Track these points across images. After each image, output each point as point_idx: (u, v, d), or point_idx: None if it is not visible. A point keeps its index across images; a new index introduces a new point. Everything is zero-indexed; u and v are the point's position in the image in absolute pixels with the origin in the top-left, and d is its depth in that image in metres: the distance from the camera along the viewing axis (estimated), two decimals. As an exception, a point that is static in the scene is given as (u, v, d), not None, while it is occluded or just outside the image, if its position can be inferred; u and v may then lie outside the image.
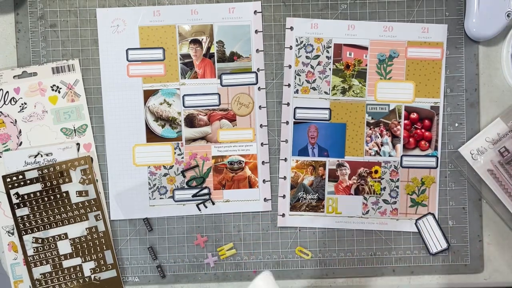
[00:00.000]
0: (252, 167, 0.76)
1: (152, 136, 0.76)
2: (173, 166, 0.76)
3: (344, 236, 0.76)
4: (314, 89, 0.76)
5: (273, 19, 0.76)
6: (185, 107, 0.76)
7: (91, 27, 0.75)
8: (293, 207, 0.76)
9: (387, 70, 0.76)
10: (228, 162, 0.76)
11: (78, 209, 0.74)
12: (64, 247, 0.74)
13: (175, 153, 0.76)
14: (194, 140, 0.76)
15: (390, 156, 0.76)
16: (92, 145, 0.75)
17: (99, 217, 0.74)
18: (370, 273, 0.76)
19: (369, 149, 0.76)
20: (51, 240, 0.74)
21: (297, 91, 0.76)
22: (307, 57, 0.76)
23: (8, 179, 0.73)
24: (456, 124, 0.76)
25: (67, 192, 0.74)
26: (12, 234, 0.74)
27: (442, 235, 0.75)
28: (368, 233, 0.76)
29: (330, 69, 0.76)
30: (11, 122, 0.74)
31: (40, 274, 0.74)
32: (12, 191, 0.73)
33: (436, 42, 0.76)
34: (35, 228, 0.74)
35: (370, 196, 0.76)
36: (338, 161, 0.76)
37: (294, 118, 0.76)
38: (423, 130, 0.76)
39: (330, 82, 0.76)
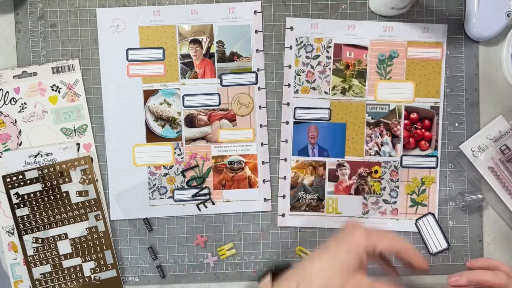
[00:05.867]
0: (252, 167, 0.76)
1: (152, 136, 0.76)
2: (173, 166, 0.76)
3: (344, 236, 0.76)
4: (314, 89, 0.76)
5: (273, 19, 0.76)
6: (185, 107, 0.76)
7: (91, 27, 0.75)
8: (293, 207, 0.76)
9: (387, 70, 0.76)
10: (228, 162, 0.76)
11: (78, 209, 0.74)
12: (64, 247, 0.74)
13: (175, 153, 0.76)
14: (194, 140, 0.76)
15: (390, 156, 0.76)
16: (92, 145, 0.75)
17: (99, 217, 0.74)
18: (370, 273, 0.76)
19: (369, 149, 0.76)
20: (51, 240, 0.74)
21: (297, 91, 0.76)
22: (307, 57, 0.76)
23: (8, 179, 0.73)
24: (456, 124, 0.76)
25: (67, 192, 0.74)
26: (12, 234, 0.74)
27: (442, 235, 0.75)
28: (368, 233, 0.76)
29: (330, 69, 0.76)
30: (11, 122, 0.74)
31: (40, 274, 0.74)
32: (12, 191, 0.73)
33: (436, 42, 0.76)
34: (35, 228, 0.74)
35: (370, 196, 0.76)
36: (338, 161, 0.76)
37: (294, 118, 0.76)
38: (423, 130, 0.76)
39: (330, 82, 0.76)
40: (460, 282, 0.59)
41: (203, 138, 0.76)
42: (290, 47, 0.76)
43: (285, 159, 0.76)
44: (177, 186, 0.76)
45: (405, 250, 0.54)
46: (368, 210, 0.76)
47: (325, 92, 0.76)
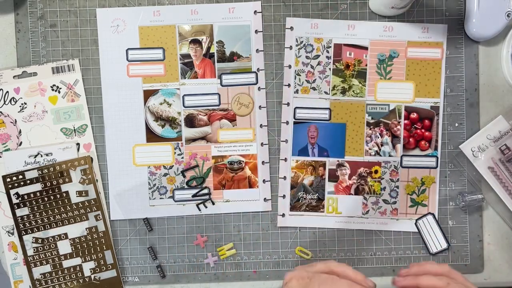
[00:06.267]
0: (252, 167, 0.76)
1: (152, 136, 0.76)
2: (173, 166, 0.76)
3: (344, 236, 0.76)
4: (314, 89, 0.76)
5: (273, 19, 0.76)
6: (185, 107, 0.76)
7: (91, 27, 0.75)
8: (293, 207, 0.76)
9: (387, 70, 0.76)
10: (228, 162, 0.76)
11: (78, 209, 0.74)
12: (64, 247, 0.74)
13: (175, 153, 0.76)
14: (194, 140, 0.76)
15: (390, 156, 0.76)
16: (92, 145, 0.75)
17: (99, 217, 0.74)
18: (370, 273, 0.76)
19: (369, 149, 0.76)
20: (51, 240, 0.74)
21: (297, 91, 0.76)
22: (307, 57, 0.76)
23: (8, 179, 0.73)
24: (456, 124, 0.76)
25: (67, 192, 0.74)
26: (12, 234, 0.74)
27: (442, 235, 0.75)
28: (368, 233, 0.76)
29: (330, 69, 0.76)
30: (11, 122, 0.74)
31: (40, 274, 0.74)
32: (12, 191, 0.73)
33: (436, 42, 0.76)
34: (35, 228, 0.74)
35: (370, 196, 0.76)
36: (338, 161, 0.76)
37: (294, 118, 0.76)
38: (423, 130, 0.76)
39: (330, 82, 0.76)
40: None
41: (203, 138, 0.76)
42: (290, 47, 0.76)
43: (285, 159, 0.76)
44: (177, 186, 0.76)
45: (340, 270, 0.55)
46: (368, 210, 0.76)
47: (325, 92, 0.76)
